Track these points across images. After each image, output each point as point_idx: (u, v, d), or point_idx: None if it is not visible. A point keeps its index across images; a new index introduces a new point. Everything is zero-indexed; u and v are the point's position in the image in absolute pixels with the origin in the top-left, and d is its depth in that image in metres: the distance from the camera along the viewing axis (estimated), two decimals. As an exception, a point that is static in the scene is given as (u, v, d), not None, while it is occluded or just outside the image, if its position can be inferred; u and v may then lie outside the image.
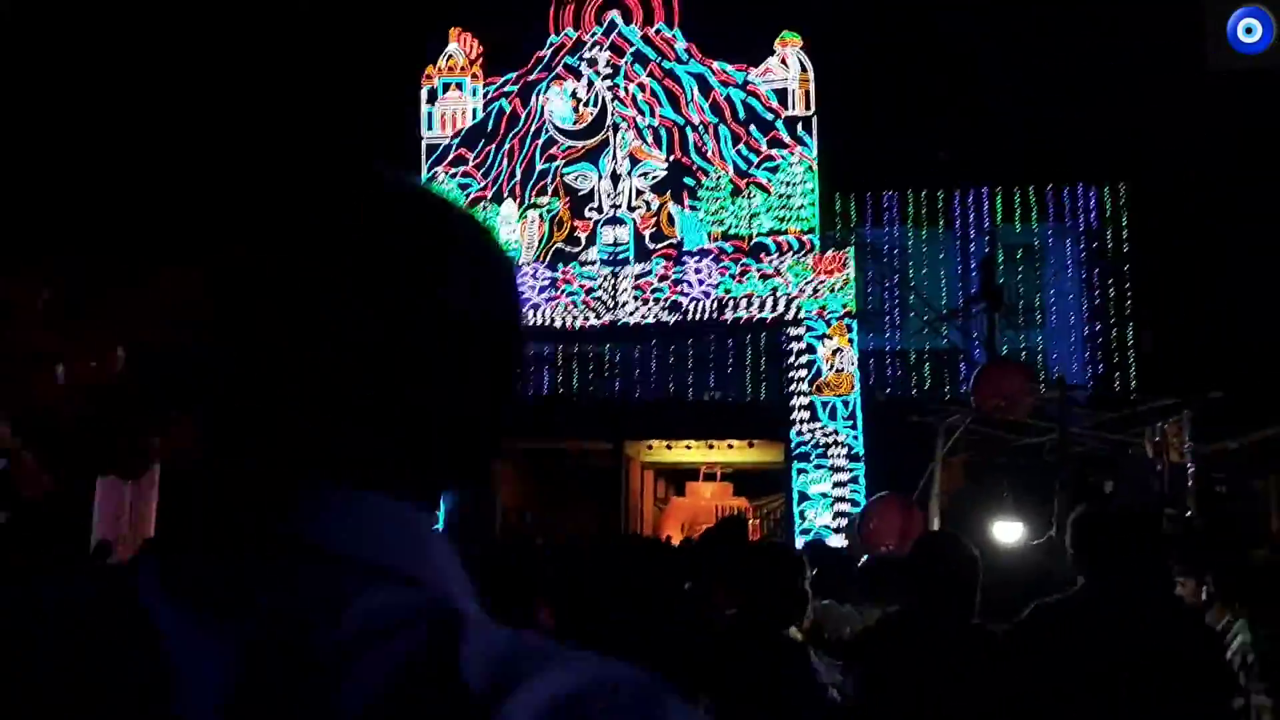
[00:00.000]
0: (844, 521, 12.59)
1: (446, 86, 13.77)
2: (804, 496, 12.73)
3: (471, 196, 13.67)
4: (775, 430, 13.87)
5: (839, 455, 12.69)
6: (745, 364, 16.26)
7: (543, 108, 13.57)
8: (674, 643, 3.61)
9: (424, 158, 13.82)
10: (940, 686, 2.76)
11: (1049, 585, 3.26)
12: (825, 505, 12.76)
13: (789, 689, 3.03)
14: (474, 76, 13.78)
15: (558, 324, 13.36)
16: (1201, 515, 4.55)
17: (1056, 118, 16.74)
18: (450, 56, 13.78)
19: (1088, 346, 16.06)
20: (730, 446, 17.11)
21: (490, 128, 13.73)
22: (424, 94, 13.84)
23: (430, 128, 13.83)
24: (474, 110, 13.78)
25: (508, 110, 13.70)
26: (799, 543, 12.02)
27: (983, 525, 4.69)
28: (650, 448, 17.62)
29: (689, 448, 17.47)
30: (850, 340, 12.80)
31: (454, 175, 13.68)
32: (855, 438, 12.71)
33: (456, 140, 13.77)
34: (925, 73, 16.76)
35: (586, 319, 13.31)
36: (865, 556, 5.85)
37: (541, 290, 13.38)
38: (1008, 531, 4.60)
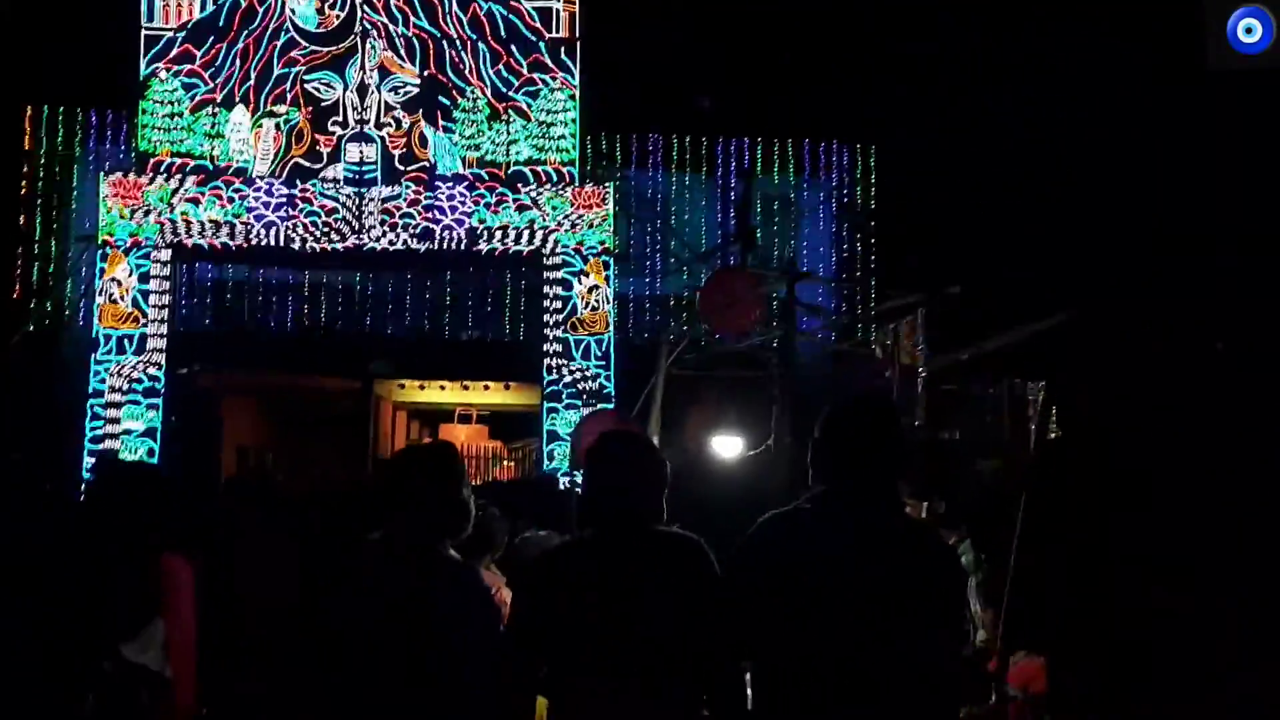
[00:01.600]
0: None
1: (171, -28, 11.96)
2: (554, 436, 12.17)
3: (197, 99, 12.01)
4: (533, 373, 13.28)
5: (590, 395, 12.17)
6: (504, 303, 15.47)
7: (283, 5, 12.05)
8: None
9: (143, 51, 11.99)
10: (624, 603, 2.21)
11: (765, 498, 2.74)
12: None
13: (445, 609, 2.40)
14: (203, -37, 12.05)
15: (295, 245, 12.02)
16: (931, 425, 4.25)
17: (817, 75, 16.91)
18: (174, -63, 11.96)
19: (835, 296, 16.36)
20: (486, 388, 16.39)
21: (221, 24, 12.07)
22: (144, -21, 11.96)
23: (151, 18, 12.00)
24: (203, 1, 12.06)
25: (242, 5, 12.07)
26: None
27: (703, 440, 4.22)
28: (402, 387, 16.59)
29: (443, 388, 16.59)
30: (606, 278, 12.28)
31: (177, 74, 11.95)
32: (608, 378, 12.22)
33: (182, 34, 12.01)
34: (693, 15, 16.42)
35: (327, 242, 12.05)
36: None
37: (277, 208, 11.99)
38: (727, 445, 4.12)
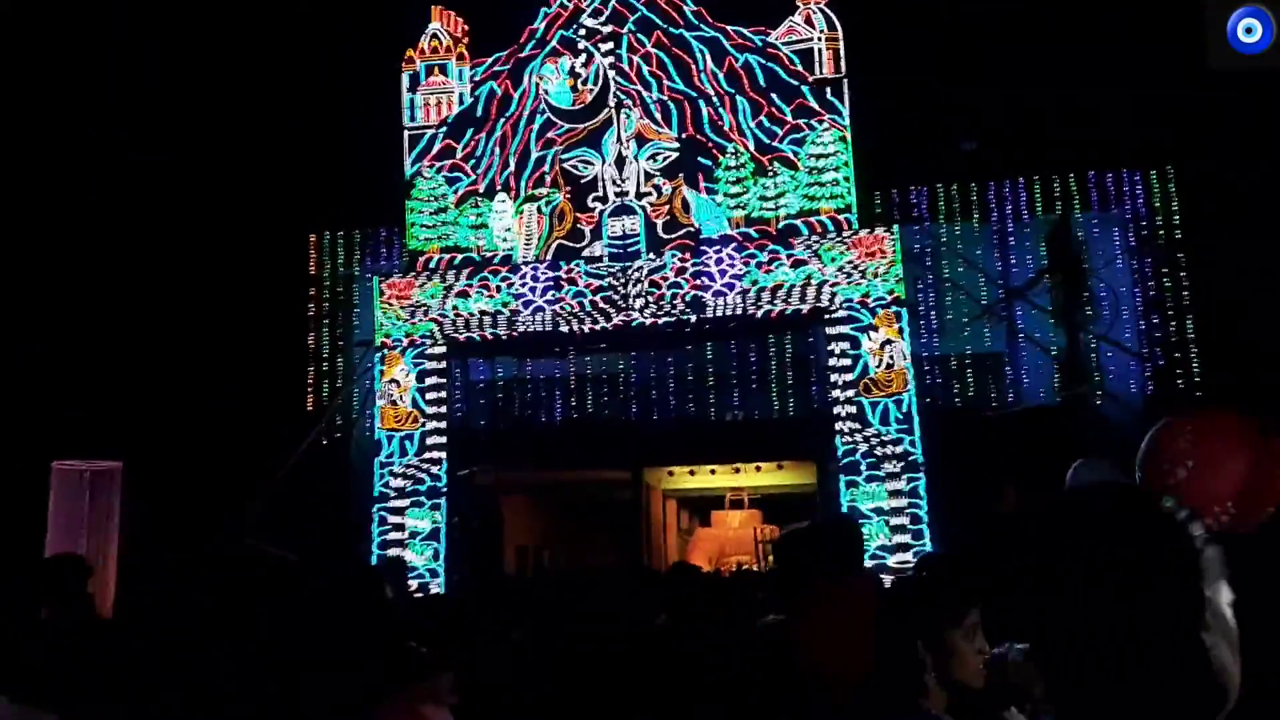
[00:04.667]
0: (907, 538, 9.88)
1: (430, 70, 11.38)
2: (855, 513, 9.95)
3: (461, 192, 11.19)
4: (807, 449, 11.35)
5: (894, 464, 9.97)
6: (769, 377, 13.67)
7: (537, 88, 11.14)
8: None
9: (407, 151, 11.37)
10: None
11: None
12: (880, 524, 10.02)
13: None
14: (460, 58, 11.41)
15: (562, 328, 10.75)
16: None
17: (1086, 102, 14.34)
18: (433, 37, 11.42)
19: (1144, 340, 13.41)
20: (758, 469, 14.55)
21: (479, 114, 11.30)
22: (405, 80, 11.42)
23: (413, 117, 11.42)
24: (460, 95, 11.37)
25: (498, 93, 11.30)
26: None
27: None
28: (671, 474, 15.03)
29: (713, 473, 14.87)
30: (900, 331, 10.19)
31: (440, 169, 11.21)
32: (913, 443, 10.00)
33: (442, 130, 11.31)
34: (943, 60, 14.41)
35: (595, 322, 10.71)
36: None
37: (543, 292, 10.83)
38: None
